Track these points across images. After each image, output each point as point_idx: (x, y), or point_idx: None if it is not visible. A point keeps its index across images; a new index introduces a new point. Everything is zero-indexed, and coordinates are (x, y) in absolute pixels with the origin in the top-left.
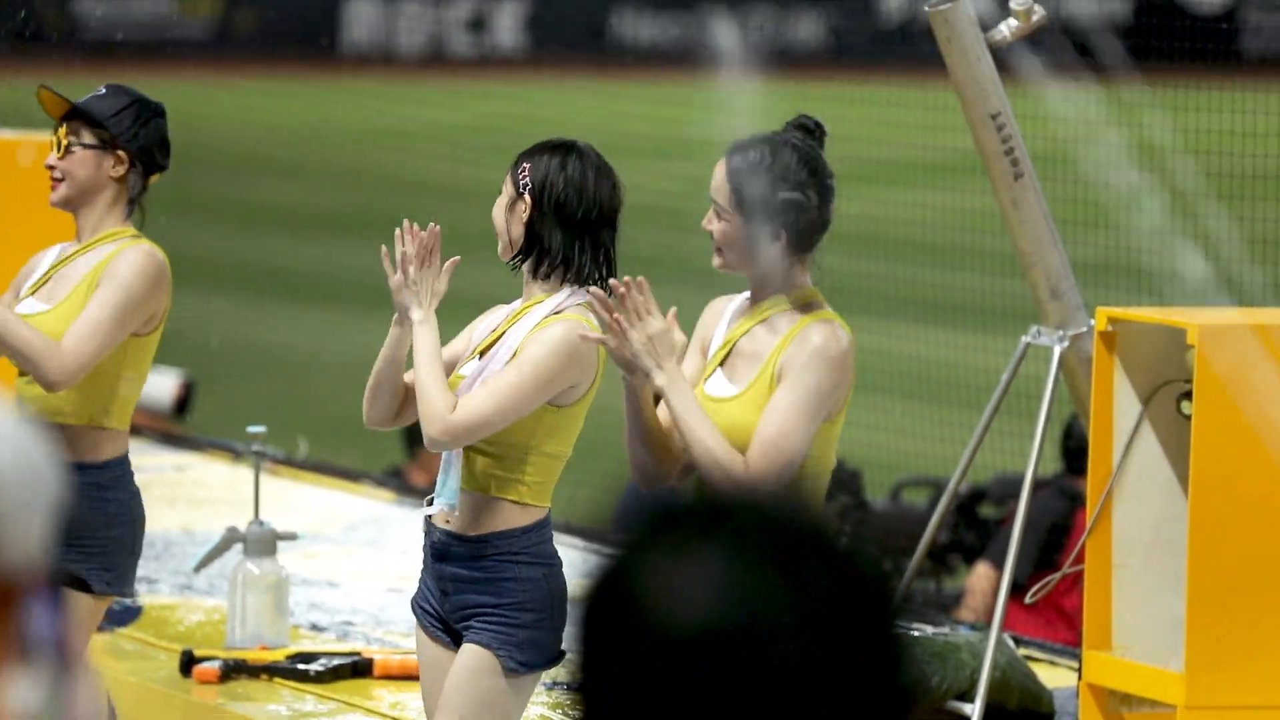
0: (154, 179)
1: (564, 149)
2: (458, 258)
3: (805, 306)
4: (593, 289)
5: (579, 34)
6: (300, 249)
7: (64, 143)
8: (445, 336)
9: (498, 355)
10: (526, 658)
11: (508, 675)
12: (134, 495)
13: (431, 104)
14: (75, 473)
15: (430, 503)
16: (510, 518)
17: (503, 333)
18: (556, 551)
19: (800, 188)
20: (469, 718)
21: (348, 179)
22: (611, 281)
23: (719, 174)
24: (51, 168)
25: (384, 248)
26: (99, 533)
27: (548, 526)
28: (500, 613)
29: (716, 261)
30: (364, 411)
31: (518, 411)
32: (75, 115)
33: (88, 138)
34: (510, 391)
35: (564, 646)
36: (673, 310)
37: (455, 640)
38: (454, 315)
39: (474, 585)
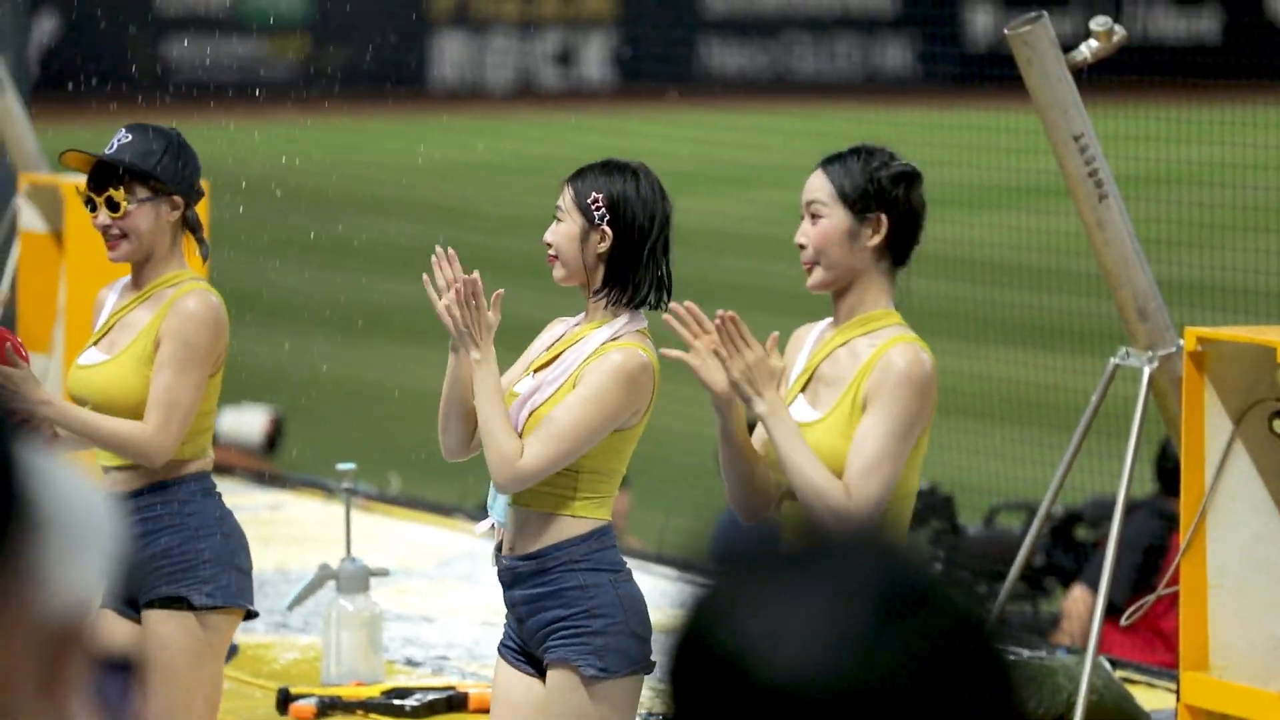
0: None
1: (627, 172)
2: (501, 290)
3: (889, 328)
4: (673, 305)
5: (666, 64)
6: (391, 285)
7: (122, 204)
8: (505, 364)
9: (551, 378)
10: (606, 664)
11: (590, 685)
12: (219, 508)
13: (520, 138)
14: (153, 494)
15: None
16: (567, 529)
17: (560, 353)
18: (622, 560)
19: (905, 164)
20: None
21: (438, 214)
22: (687, 305)
23: (816, 180)
24: (108, 227)
25: (425, 275)
26: (185, 547)
27: (609, 535)
28: (571, 623)
29: (811, 280)
30: (440, 443)
31: (585, 448)
32: (123, 172)
33: (142, 192)
34: (575, 431)
35: (653, 657)
36: (773, 336)
37: (542, 670)
38: (523, 342)
39: (542, 602)
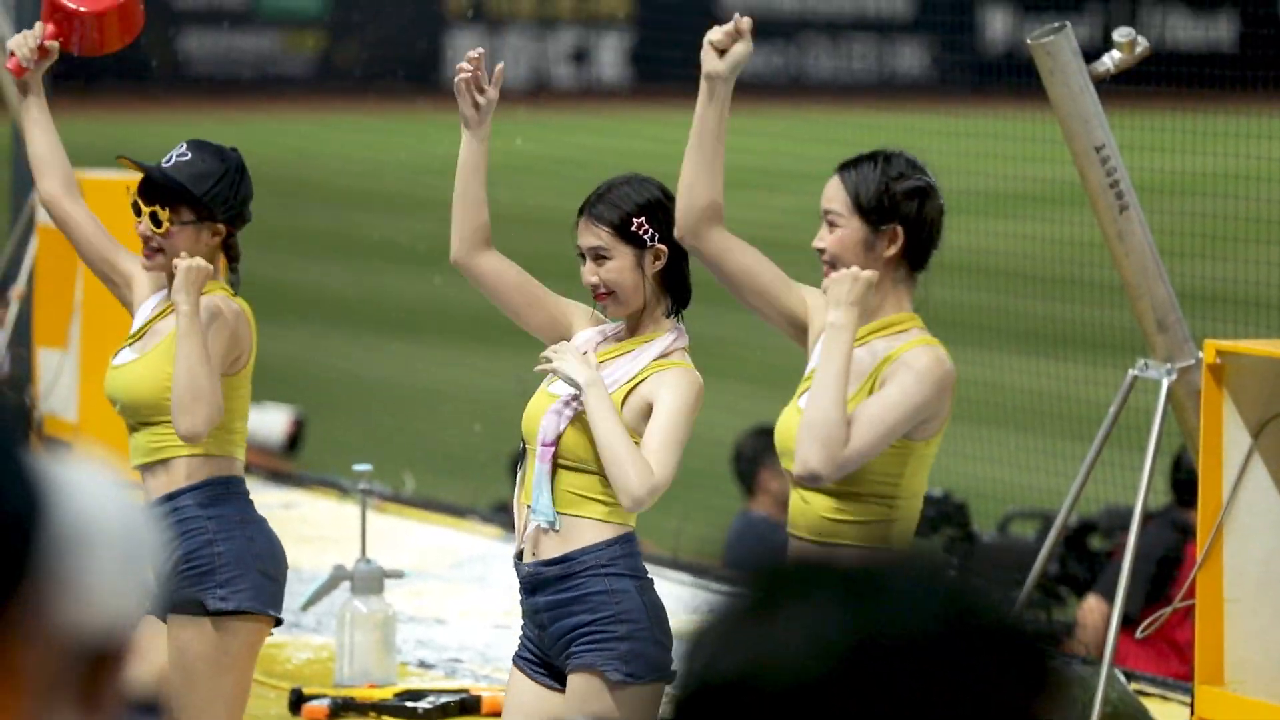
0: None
1: (641, 183)
2: (502, 63)
3: (910, 331)
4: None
5: (680, 65)
6: (407, 283)
7: (165, 223)
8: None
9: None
10: (632, 669)
11: (616, 689)
12: (243, 511)
13: (534, 138)
14: (173, 499)
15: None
16: (593, 533)
17: (608, 358)
18: (645, 568)
19: (919, 178)
20: None
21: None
22: None
23: (831, 186)
24: (148, 239)
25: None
26: (202, 551)
27: (634, 543)
28: (597, 628)
29: (827, 283)
30: (452, 244)
31: (680, 451)
32: (170, 192)
33: (186, 215)
34: (676, 443)
35: (674, 666)
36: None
37: (561, 680)
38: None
39: (568, 606)
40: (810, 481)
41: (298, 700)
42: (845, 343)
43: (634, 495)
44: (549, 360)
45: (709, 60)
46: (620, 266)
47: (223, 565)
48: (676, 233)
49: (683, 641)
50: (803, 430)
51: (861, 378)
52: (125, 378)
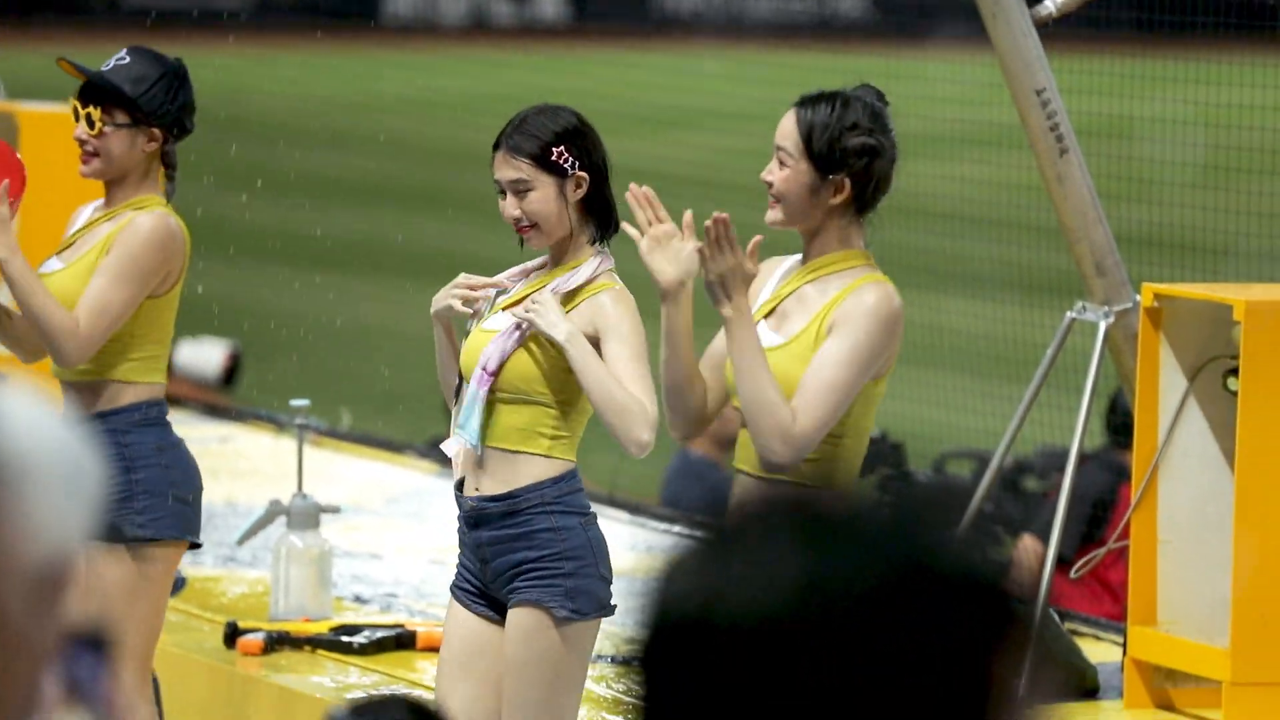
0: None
1: (556, 112)
2: (760, 237)
3: (858, 268)
4: (632, 187)
5: (620, 5)
6: (344, 220)
7: (97, 123)
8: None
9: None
10: (577, 605)
11: (560, 625)
12: (161, 438)
13: (473, 75)
14: (90, 422)
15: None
16: (538, 470)
17: (535, 289)
18: (589, 503)
19: (872, 135)
20: (532, 677)
21: (393, 150)
22: (645, 190)
23: (787, 122)
24: (83, 141)
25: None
26: (120, 478)
27: (577, 479)
28: (542, 564)
29: (771, 216)
30: (446, 403)
31: (649, 371)
32: (106, 93)
33: (121, 117)
34: (645, 372)
35: (614, 601)
36: (755, 239)
37: (501, 612)
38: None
39: (512, 543)
40: (780, 470)
41: (233, 634)
42: (748, 330)
43: (641, 442)
44: (528, 313)
45: (665, 273)
46: (543, 197)
47: (140, 493)
48: (678, 437)
49: (636, 581)
50: (750, 424)
51: (810, 313)
52: (49, 287)
